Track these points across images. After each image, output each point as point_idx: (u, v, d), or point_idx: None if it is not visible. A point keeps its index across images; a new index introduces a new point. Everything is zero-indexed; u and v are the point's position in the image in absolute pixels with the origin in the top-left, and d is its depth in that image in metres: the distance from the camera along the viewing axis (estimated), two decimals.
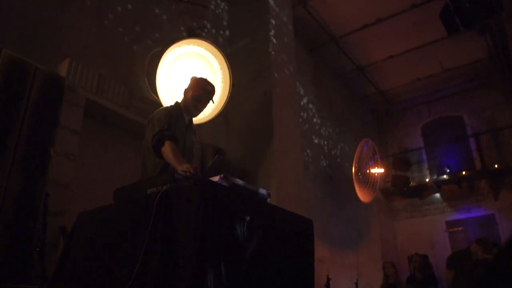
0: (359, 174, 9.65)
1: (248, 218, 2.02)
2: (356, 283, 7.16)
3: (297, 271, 2.32)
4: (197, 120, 5.23)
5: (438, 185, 12.12)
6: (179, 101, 3.25)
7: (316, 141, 9.44)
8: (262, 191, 2.42)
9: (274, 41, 6.59)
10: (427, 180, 12.46)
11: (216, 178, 2.12)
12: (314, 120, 9.60)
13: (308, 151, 8.84)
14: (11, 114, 3.15)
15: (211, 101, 3.25)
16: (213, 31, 6.65)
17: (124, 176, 3.26)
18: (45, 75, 3.51)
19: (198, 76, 3.32)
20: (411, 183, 12.10)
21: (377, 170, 10.35)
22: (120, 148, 4.58)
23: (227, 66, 5.61)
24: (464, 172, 11.72)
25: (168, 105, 3.32)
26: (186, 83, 3.26)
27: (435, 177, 12.46)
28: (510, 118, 11.50)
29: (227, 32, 6.96)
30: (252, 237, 2.02)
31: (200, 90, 3.12)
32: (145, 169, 2.87)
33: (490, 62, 10.97)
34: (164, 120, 2.87)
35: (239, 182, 2.23)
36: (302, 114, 8.82)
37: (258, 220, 2.09)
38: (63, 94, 3.66)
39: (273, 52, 6.45)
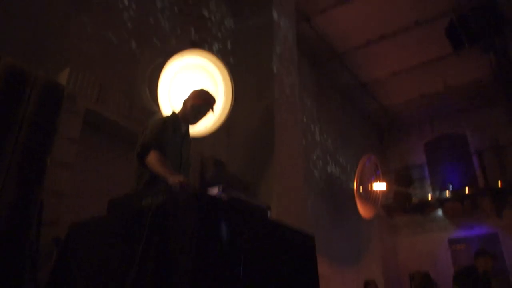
0: (361, 189, 9.56)
1: (247, 233, 1.95)
2: None
3: (300, 287, 2.24)
4: (198, 132, 5.20)
5: (440, 202, 12.02)
6: (177, 111, 3.18)
7: (317, 155, 9.38)
8: (263, 205, 2.36)
9: (277, 55, 6.57)
10: (430, 197, 12.35)
11: (215, 191, 2.06)
12: (316, 134, 9.55)
13: (309, 165, 8.78)
14: (9, 121, 3.10)
15: (211, 112, 3.19)
16: (216, 43, 6.63)
17: (121, 187, 3.19)
18: (45, 84, 3.47)
19: (197, 87, 3.27)
20: (413, 199, 12.00)
21: (379, 186, 10.25)
22: (119, 158, 4.52)
23: (230, 79, 5.57)
24: (467, 190, 11.63)
25: (165, 115, 3.25)
26: (187, 95, 3.21)
27: (437, 194, 12.36)
28: None
29: (230, 45, 6.94)
30: (250, 255, 1.95)
31: (201, 100, 3.06)
32: (134, 180, 2.77)
33: (494, 80, 10.96)
34: (157, 129, 2.78)
35: (239, 195, 2.16)
36: (304, 128, 8.77)
37: (257, 235, 2.02)
38: (62, 103, 3.62)
39: (276, 67, 6.42)
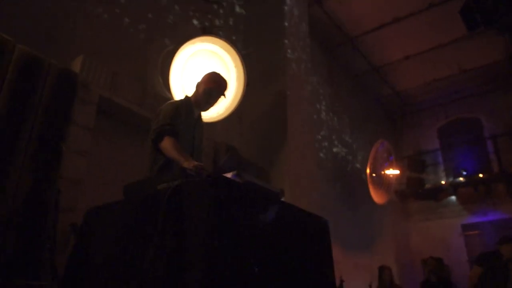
0: (374, 175, 9.53)
1: (261, 216, 1.96)
2: (370, 286, 7.06)
3: (316, 271, 2.25)
4: (211, 118, 5.21)
5: (454, 188, 11.93)
6: (189, 95, 3.17)
7: (330, 141, 9.35)
8: (276, 189, 2.36)
9: (289, 40, 6.53)
10: (443, 182, 12.27)
11: (229, 175, 2.07)
12: (328, 120, 9.50)
13: (322, 151, 8.76)
14: (24, 110, 3.14)
15: (223, 97, 3.18)
16: (228, 29, 6.60)
17: (136, 173, 3.22)
18: (59, 71, 3.50)
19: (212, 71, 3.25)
20: (426, 185, 11.93)
21: (392, 172, 10.21)
22: (133, 145, 4.55)
23: (242, 64, 5.56)
24: (481, 175, 11.52)
25: (178, 99, 3.25)
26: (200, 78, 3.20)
27: (451, 179, 12.27)
28: None
29: (242, 31, 6.91)
30: (265, 238, 1.96)
31: (213, 84, 3.05)
32: (148, 165, 2.80)
33: (509, 64, 10.77)
34: (170, 115, 2.79)
35: (253, 179, 2.17)
36: (316, 114, 8.73)
37: (272, 218, 2.03)
38: (76, 90, 3.66)
39: (288, 52, 6.39)
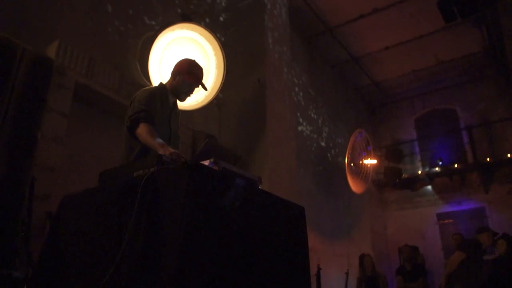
0: (352, 164, 9.64)
1: (238, 204, 1.97)
2: (347, 273, 7.16)
3: (291, 258, 2.27)
4: (190, 106, 5.18)
5: (430, 178, 12.17)
6: (164, 82, 3.13)
7: (309, 130, 9.40)
8: (254, 176, 2.37)
9: (269, 28, 6.51)
10: (419, 172, 12.50)
11: (206, 162, 2.06)
12: (308, 109, 9.54)
13: (300, 140, 8.80)
14: None
15: (203, 89, 3.15)
16: (208, 17, 6.54)
17: (112, 161, 3.18)
18: (33, 57, 3.41)
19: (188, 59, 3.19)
20: (403, 175, 12.12)
21: (370, 161, 10.34)
22: (109, 132, 4.49)
23: (222, 52, 5.52)
24: (456, 165, 11.77)
25: (153, 86, 3.20)
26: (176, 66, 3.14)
27: (427, 169, 12.51)
28: (503, 111, 11.54)
29: (222, 18, 6.85)
30: (241, 224, 1.97)
31: (193, 79, 3.02)
32: (125, 153, 2.76)
33: (485, 56, 10.97)
34: (145, 101, 2.74)
35: (230, 167, 2.17)
36: (295, 102, 8.76)
37: (248, 205, 2.04)
38: (51, 76, 3.56)
39: (268, 40, 6.37)
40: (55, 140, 3.74)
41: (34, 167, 3.21)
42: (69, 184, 3.61)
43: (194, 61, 3.13)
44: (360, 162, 10.08)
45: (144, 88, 3.01)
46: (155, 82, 4.82)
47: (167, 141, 2.81)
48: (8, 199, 2.92)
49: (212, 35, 5.50)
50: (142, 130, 2.59)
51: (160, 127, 2.79)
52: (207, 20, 6.44)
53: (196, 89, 3.16)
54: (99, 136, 4.47)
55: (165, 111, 2.94)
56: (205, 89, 3.24)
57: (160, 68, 4.98)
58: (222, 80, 5.46)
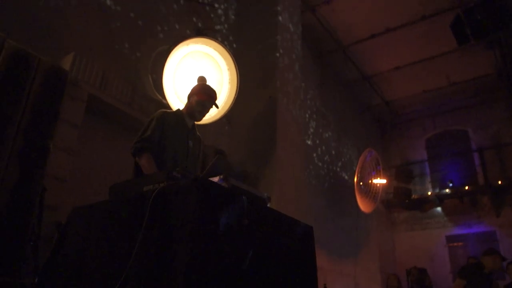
0: (361, 184, 9.57)
1: (247, 221, 1.96)
2: None
3: (299, 277, 2.25)
4: (202, 120, 5.20)
5: (440, 199, 12.05)
6: (181, 108, 3.25)
7: (319, 148, 9.38)
8: (263, 194, 2.36)
9: (281, 45, 6.55)
10: (429, 193, 12.38)
11: (215, 179, 2.07)
12: (318, 127, 9.54)
13: (310, 158, 8.78)
14: (12, 105, 3.11)
15: (214, 106, 3.23)
16: (220, 32, 6.61)
17: (123, 173, 3.21)
18: (48, 68, 3.47)
19: (202, 74, 3.31)
20: (413, 195, 12.02)
21: (379, 181, 10.27)
22: (121, 145, 4.52)
23: (235, 67, 5.57)
24: (466, 187, 11.65)
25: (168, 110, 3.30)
26: (193, 82, 3.24)
27: (437, 190, 12.39)
28: None
29: (235, 35, 6.92)
30: (250, 243, 1.96)
31: (206, 96, 3.11)
32: (134, 166, 2.89)
33: (497, 77, 10.92)
34: (152, 127, 2.86)
35: (239, 184, 2.17)
36: (306, 120, 8.77)
37: (257, 224, 2.03)
38: (65, 87, 3.62)
39: (280, 57, 6.41)
40: (67, 151, 3.78)
41: (45, 177, 3.25)
42: (79, 195, 3.63)
43: (207, 84, 3.25)
44: (370, 181, 10.01)
45: (160, 110, 3.09)
46: (169, 95, 4.86)
47: (184, 160, 2.94)
48: (19, 208, 2.95)
49: (226, 49, 5.55)
50: (144, 161, 2.72)
51: (174, 146, 2.92)
52: (220, 35, 6.50)
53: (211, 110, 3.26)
54: (110, 148, 4.50)
55: (181, 134, 3.03)
56: (217, 107, 3.31)
57: (174, 82, 5.02)
58: (235, 95, 5.49)
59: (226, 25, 6.79)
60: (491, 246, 9.87)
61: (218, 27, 6.57)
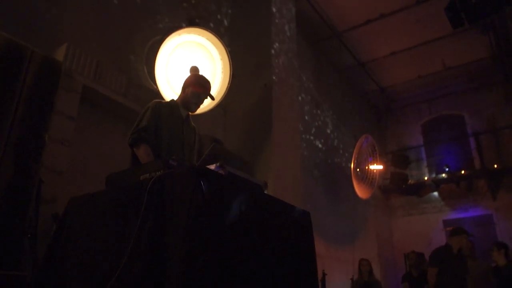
0: (358, 170, 9.60)
1: (244, 207, 1.97)
2: (352, 279, 7.14)
3: (298, 263, 2.26)
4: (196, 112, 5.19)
5: (436, 184, 12.09)
6: (175, 98, 3.24)
7: (314, 135, 9.39)
8: (259, 181, 2.37)
9: (276, 33, 6.52)
10: (426, 178, 12.44)
11: (212, 167, 2.07)
12: (314, 114, 9.54)
13: (306, 145, 8.79)
14: (5, 98, 3.09)
15: (210, 98, 3.23)
16: (214, 21, 6.57)
17: (119, 164, 3.20)
18: (42, 60, 3.44)
19: (195, 64, 3.31)
20: (410, 181, 12.06)
21: (376, 167, 10.29)
22: (116, 135, 4.52)
23: (228, 56, 5.53)
24: (463, 171, 11.70)
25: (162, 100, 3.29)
26: (185, 72, 3.23)
27: (433, 175, 12.44)
28: (510, 118, 11.46)
29: (228, 23, 6.88)
30: (247, 229, 1.97)
31: (201, 88, 3.11)
32: (131, 156, 2.89)
33: (493, 62, 10.92)
34: (148, 116, 2.86)
35: (236, 171, 2.17)
36: (301, 107, 8.76)
37: (254, 210, 2.04)
38: (59, 79, 3.59)
39: (274, 44, 6.38)
40: (62, 143, 3.77)
41: (41, 170, 3.24)
42: (76, 187, 3.63)
43: (201, 75, 3.25)
44: (366, 167, 10.04)
45: (155, 100, 3.07)
46: (161, 85, 4.84)
47: (181, 151, 2.94)
48: (15, 200, 2.94)
49: (219, 39, 5.52)
50: (142, 152, 2.72)
51: (170, 136, 2.92)
52: (212, 25, 6.46)
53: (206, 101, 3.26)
54: (106, 139, 4.50)
55: (176, 123, 3.03)
56: (213, 99, 3.30)
57: (166, 72, 5.00)
58: (228, 84, 5.47)
59: (218, 15, 6.75)
60: (489, 231, 9.95)
61: (210, 16, 6.52)
